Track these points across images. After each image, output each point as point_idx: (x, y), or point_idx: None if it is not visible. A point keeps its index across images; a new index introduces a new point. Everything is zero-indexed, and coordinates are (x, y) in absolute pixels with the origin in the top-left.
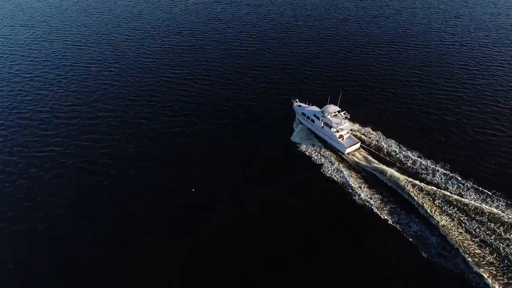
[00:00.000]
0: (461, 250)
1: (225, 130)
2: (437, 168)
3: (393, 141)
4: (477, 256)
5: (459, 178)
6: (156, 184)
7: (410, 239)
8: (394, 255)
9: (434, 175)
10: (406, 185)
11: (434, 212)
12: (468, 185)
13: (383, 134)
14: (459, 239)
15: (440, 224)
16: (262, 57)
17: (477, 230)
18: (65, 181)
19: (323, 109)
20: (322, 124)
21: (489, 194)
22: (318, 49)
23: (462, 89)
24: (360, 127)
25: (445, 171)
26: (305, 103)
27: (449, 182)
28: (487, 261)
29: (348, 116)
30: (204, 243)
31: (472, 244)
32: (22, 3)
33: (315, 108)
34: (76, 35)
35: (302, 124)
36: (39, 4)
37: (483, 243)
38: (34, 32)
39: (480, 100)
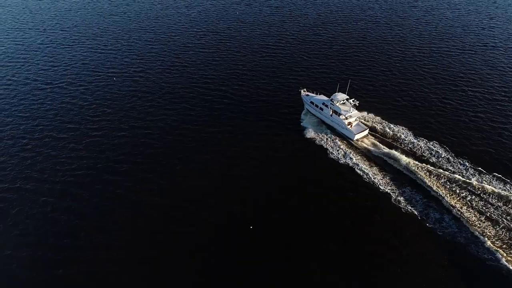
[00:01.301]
0: (476, 234)
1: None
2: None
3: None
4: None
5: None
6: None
7: (426, 226)
8: (411, 243)
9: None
10: (416, 169)
11: (447, 196)
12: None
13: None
14: (474, 222)
15: (455, 208)
16: (293, 59)
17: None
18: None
19: (332, 97)
20: (331, 112)
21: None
22: (357, 55)
23: None
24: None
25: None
26: (313, 93)
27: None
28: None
29: (357, 103)
30: (208, 238)
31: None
32: (31, 5)
33: (323, 97)
34: (93, 41)
35: (311, 113)
36: (48, 5)
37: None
38: (47, 37)
39: None
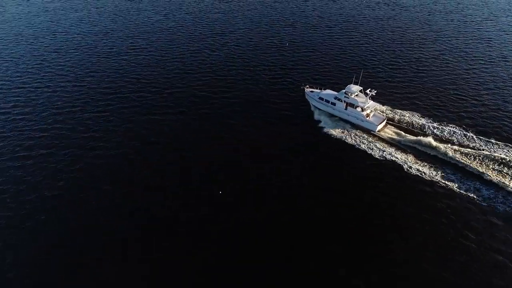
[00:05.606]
0: None
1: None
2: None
3: None
4: None
5: None
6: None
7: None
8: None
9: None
10: (446, 151)
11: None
12: None
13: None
14: None
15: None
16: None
17: None
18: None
19: (345, 89)
20: (345, 106)
21: None
22: (364, 46)
23: None
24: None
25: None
26: (317, 88)
27: None
28: None
29: (374, 93)
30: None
31: None
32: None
33: (330, 91)
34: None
35: (319, 109)
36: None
37: None
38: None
39: None
